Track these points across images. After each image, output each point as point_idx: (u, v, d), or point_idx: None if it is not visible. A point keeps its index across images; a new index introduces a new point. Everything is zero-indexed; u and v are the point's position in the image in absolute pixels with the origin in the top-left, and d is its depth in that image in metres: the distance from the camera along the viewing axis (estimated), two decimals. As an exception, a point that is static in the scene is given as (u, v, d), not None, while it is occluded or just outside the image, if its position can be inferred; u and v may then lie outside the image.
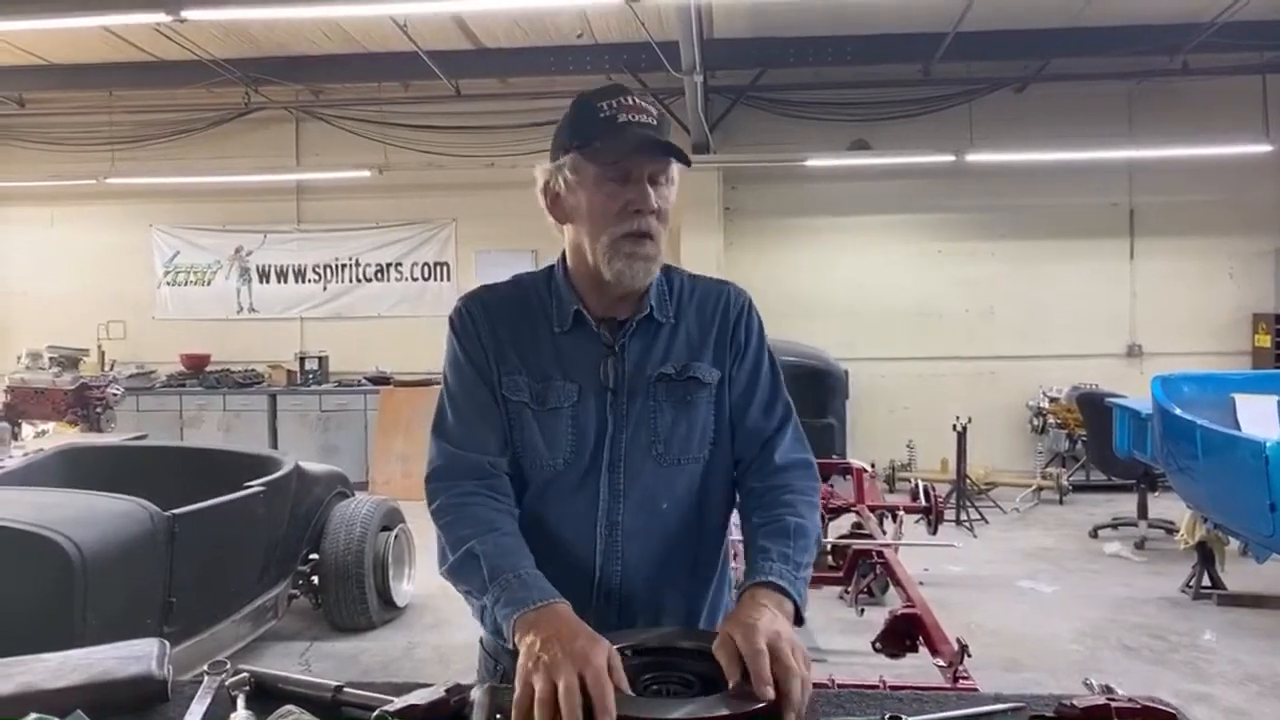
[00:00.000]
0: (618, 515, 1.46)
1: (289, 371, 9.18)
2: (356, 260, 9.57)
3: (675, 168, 1.46)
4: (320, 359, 9.22)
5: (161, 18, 5.54)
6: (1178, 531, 5.67)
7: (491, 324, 1.51)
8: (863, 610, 4.31)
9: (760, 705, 1.07)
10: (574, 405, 1.46)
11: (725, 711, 1.07)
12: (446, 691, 1.16)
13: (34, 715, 1.08)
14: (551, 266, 1.55)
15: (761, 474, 1.50)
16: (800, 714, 1.09)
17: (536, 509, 1.48)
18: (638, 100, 1.41)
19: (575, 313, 1.49)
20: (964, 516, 7.16)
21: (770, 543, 1.37)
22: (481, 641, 1.58)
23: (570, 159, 1.43)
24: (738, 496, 1.55)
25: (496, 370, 1.49)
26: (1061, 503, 8.01)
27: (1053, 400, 8.57)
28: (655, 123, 1.40)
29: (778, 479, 1.48)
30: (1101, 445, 6.76)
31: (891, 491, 8.11)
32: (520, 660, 1.14)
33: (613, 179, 1.40)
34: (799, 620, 1.29)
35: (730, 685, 1.11)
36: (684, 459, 1.48)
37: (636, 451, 1.46)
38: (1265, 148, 8.02)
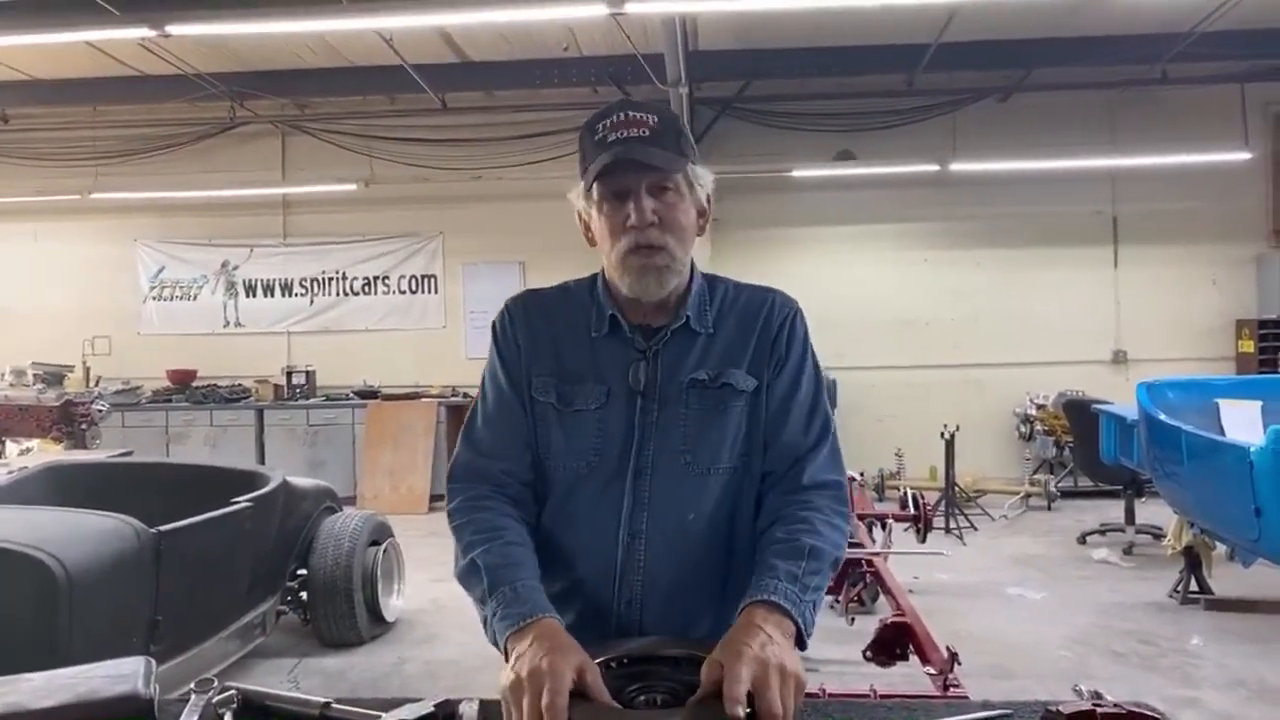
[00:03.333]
0: (640, 524, 1.44)
1: (276, 386, 9.14)
2: (343, 274, 9.55)
3: (689, 172, 1.45)
4: (307, 373, 9.18)
5: (146, 33, 5.53)
6: (1165, 537, 5.70)
7: (530, 324, 1.52)
8: (853, 619, 4.32)
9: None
10: (601, 408, 1.45)
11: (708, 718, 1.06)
12: (436, 706, 1.16)
13: (19, 736, 1.08)
14: (597, 274, 1.55)
15: (786, 491, 1.44)
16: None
17: (559, 514, 1.48)
18: (633, 114, 1.41)
19: (610, 318, 1.49)
20: (953, 524, 7.18)
21: (779, 561, 1.31)
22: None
23: (581, 186, 1.46)
24: (760, 510, 1.49)
25: (528, 372, 1.50)
26: (1049, 509, 8.03)
27: (1040, 407, 8.62)
28: (647, 133, 1.39)
29: (802, 497, 1.42)
30: (1088, 452, 6.80)
31: (880, 500, 8.12)
32: (500, 680, 1.15)
33: (612, 196, 1.41)
34: (802, 644, 1.25)
35: (697, 697, 1.10)
36: (713, 468, 1.46)
37: (664, 459, 1.44)
38: (1244, 155, 8.12)
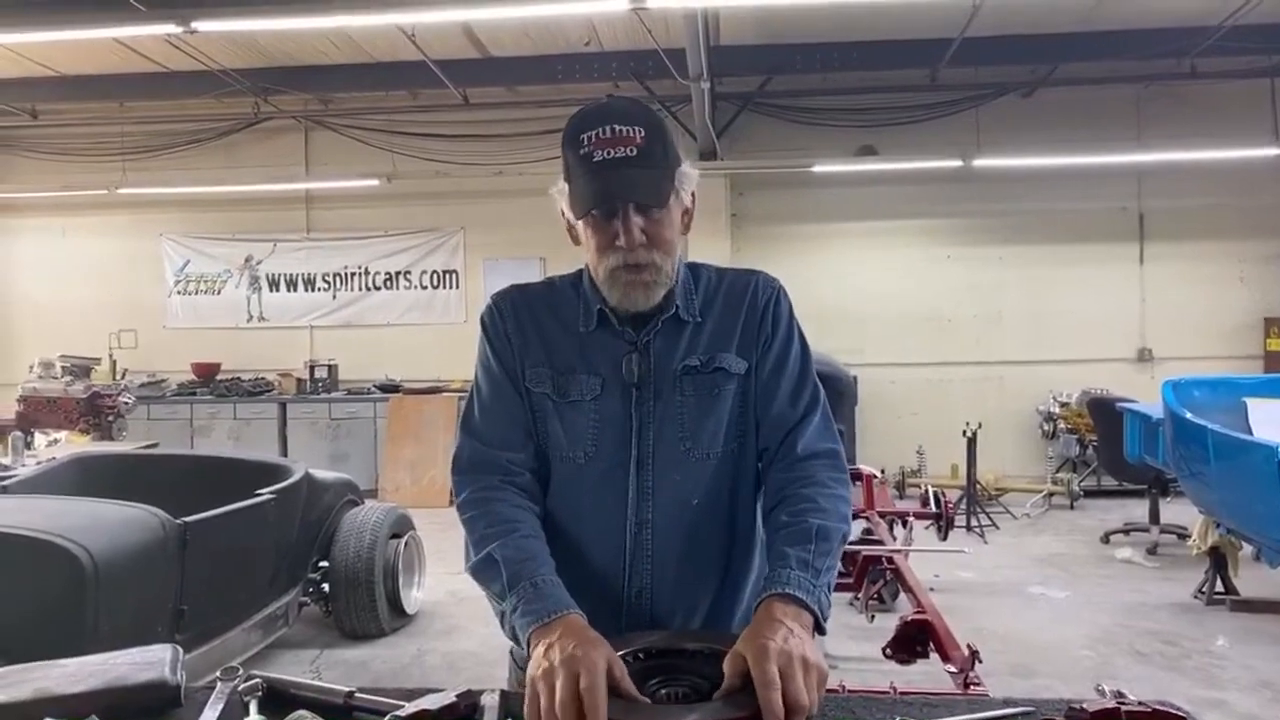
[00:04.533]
0: (647, 513, 1.45)
1: (299, 380, 9.20)
2: (365, 268, 9.61)
3: (678, 179, 1.44)
4: (330, 367, 9.25)
5: (172, 29, 5.59)
6: (1190, 537, 5.63)
7: (519, 319, 1.53)
8: (873, 617, 4.29)
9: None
10: (596, 399, 1.46)
11: (730, 714, 1.07)
12: (458, 696, 1.17)
13: (49, 720, 1.09)
14: (581, 270, 1.56)
15: (784, 465, 1.46)
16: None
17: (563, 505, 1.49)
18: (618, 128, 1.36)
19: (599, 312, 1.49)
20: (974, 522, 7.14)
21: (789, 548, 1.32)
22: (512, 653, 1.58)
23: (565, 192, 1.44)
24: (762, 490, 1.51)
25: (521, 363, 1.51)
26: (1072, 508, 7.97)
27: (1063, 405, 8.54)
28: (635, 151, 1.35)
29: (800, 470, 1.43)
30: (1112, 450, 6.73)
31: (901, 498, 8.08)
32: (528, 670, 1.15)
33: (597, 214, 1.40)
34: (820, 629, 1.25)
35: (724, 690, 1.11)
36: (713, 453, 1.47)
37: (664, 447, 1.45)
38: (1274, 151, 8.00)
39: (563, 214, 1.50)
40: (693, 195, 1.50)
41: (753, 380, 1.50)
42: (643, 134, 1.36)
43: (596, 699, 1.07)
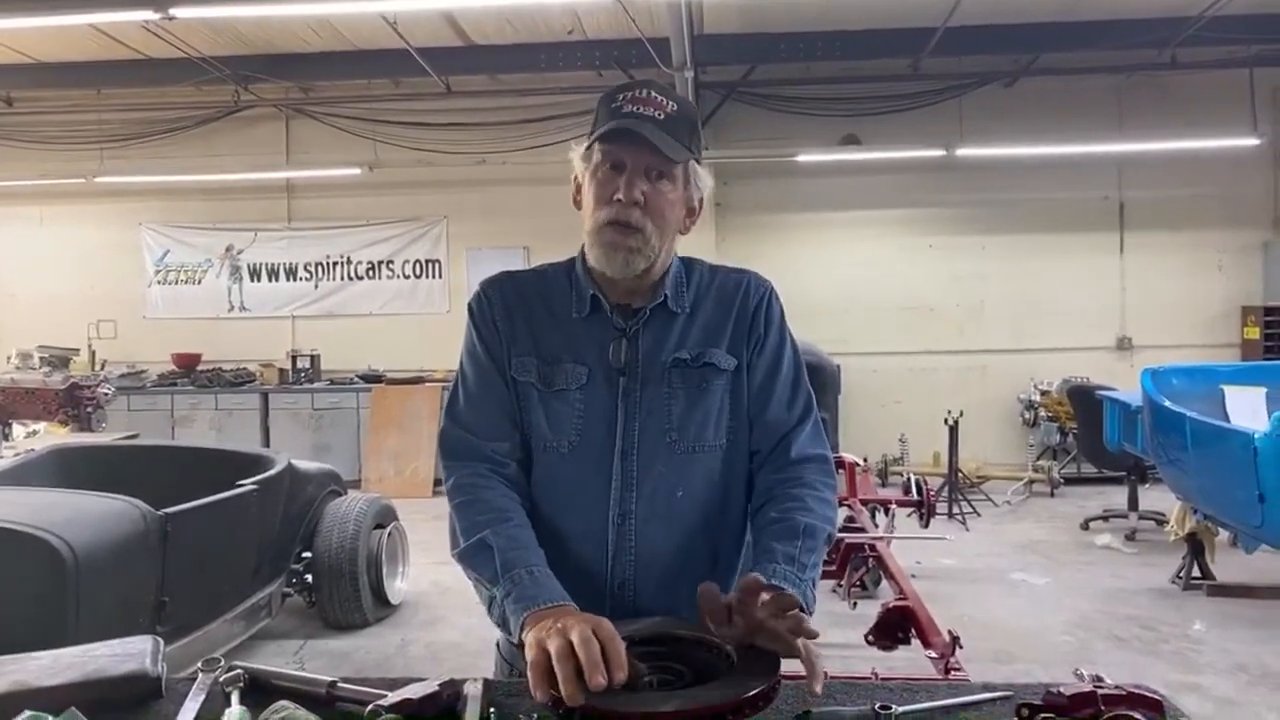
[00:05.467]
0: (630, 504, 1.44)
1: (280, 370, 9.15)
2: (347, 258, 9.54)
3: (689, 168, 1.47)
4: (312, 357, 9.19)
5: (150, 15, 5.51)
6: (1168, 523, 5.70)
7: (508, 307, 1.53)
8: (855, 603, 4.32)
9: (752, 693, 1.08)
10: (582, 388, 1.46)
11: (718, 700, 1.07)
12: (440, 686, 1.17)
13: (28, 713, 1.08)
14: (574, 257, 1.56)
15: (775, 468, 1.48)
16: (815, 670, 1.13)
17: (546, 496, 1.48)
18: (655, 95, 1.43)
19: (591, 297, 1.49)
20: (956, 510, 7.19)
21: (776, 543, 1.35)
22: (498, 645, 1.58)
23: (585, 149, 1.47)
24: (750, 488, 1.53)
25: (508, 352, 1.50)
26: (1053, 495, 8.04)
27: (1044, 393, 8.61)
28: (663, 116, 1.41)
29: (791, 473, 1.46)
30: (1092, 438, 6.80)
31: (884, 485, 8.13)
32: (532, 637, 1.15)
33: (610, 167, 1.43)
34: None
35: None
36: (699, 447, 1.47)
37: (649, 438, 1.45)
38: (1253, 141, 8.07)
39: (574, 177, 1.52)
40: (700, 201, 1.53)
41: (743, 379, 1.51)
42: (675, 108, 1.43)
43: (618, 644, 1.09)
